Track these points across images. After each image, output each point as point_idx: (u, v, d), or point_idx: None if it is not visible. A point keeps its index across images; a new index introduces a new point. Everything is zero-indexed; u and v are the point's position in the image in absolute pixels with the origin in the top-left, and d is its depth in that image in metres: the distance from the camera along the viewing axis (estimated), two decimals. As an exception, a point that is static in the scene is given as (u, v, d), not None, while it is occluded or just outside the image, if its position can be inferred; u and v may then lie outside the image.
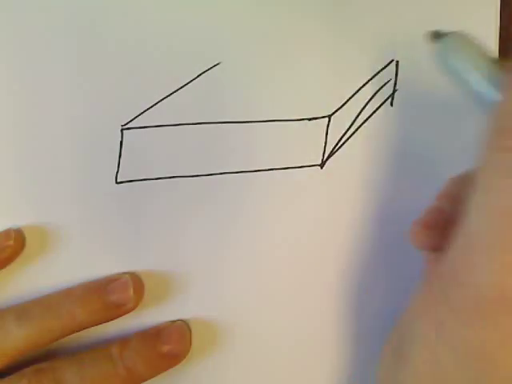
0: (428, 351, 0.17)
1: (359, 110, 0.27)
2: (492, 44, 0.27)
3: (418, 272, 0.27)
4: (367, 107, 0.27)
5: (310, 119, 0.27)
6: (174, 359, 0.26)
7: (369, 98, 0.28)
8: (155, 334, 0.26)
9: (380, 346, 0.22)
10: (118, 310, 0.26)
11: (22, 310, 0.25)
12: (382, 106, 0.28)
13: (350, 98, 0.27)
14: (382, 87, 0.28)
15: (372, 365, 0.24)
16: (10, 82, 0.26)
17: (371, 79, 0.27)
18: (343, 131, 0.27)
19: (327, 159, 0.27)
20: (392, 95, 0.28)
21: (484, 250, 0.15)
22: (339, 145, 0.27)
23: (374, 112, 0.28)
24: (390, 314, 0.28)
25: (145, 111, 0.26)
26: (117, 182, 0.27)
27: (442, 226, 0.21)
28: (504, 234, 0.14)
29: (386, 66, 0.27)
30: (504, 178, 0.15)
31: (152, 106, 0.26)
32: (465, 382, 0.15)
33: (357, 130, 0.27)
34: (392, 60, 0.27)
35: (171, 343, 0.26)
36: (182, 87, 0.27)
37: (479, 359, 0.14)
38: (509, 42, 0.28)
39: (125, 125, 0.26)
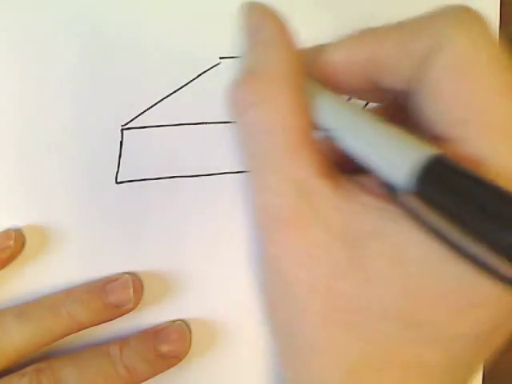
0: None
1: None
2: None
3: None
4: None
5: (310, 119, 0.27)
6: (173, 359, 0.26)
7: (369, 97, 0.28)
8: (155, 334, 0.26)
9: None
10: (117, 310, 0.26)
11: (22, 311, 0.25)
12: (382, 106, 0.28)
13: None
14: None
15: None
16: (10, 82, 0.26)
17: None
18: (343, 131, 0.27)
19: (327, 159, 0.27)
20: (392, 95, 0.28)
21: None
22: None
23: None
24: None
25: (145, 111, 0.26)
26: (117, 182, 0.27)
27: None
28: None
29: (386, 66, 0.27)
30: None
31: (152, 106, 0.26)
32: None
33: (357, 129, 0.27)
34: (392, 60, 0.27)
35: (171, 343, 0.26)
36: (181, 87, 0.27)
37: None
38: (509, 41, 0.28)
39: (125, 125, 0.26)
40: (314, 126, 0.18)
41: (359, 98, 0.20)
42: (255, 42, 0.18)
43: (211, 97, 0.27)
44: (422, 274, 0.15)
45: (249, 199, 0.18)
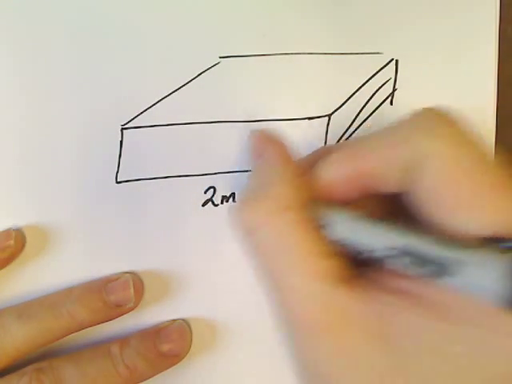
0: None
1: (359, 109, 0.27)
2: (492, 44, 0.27)
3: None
4: (367, 106, 0.28)
5: (310, 118, 0.27)
6: (173, 358, 0.26)
7: (368, 97, 0.28)
8: (155, 333, 0.26)
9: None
10: (118, 310, 0.26)
11: (23, 310, 0.25)
12: (382, 105, 0.28)
13: (350, 97, 0.27)
14: (381, 86, 0.28)
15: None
16: (10, 82, 0.26)
17: (371, 78, 0.27)
18: (343, 130, 0.27)
19: (327, 158, 0.27)
20: (392, 94, 0.28)
21: None
22: (339, 144, 0.27)
23: (374, 111, 0.28)
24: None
25: (145, 111, 0.26)
26: (117, 182, 0.27)
27: None
28: None
29: (385, 65, 0.27)
30: None
31: (152, 106, 0.26)
32: None
33: (357, 129, 0.27)
34: (392, 59, 0.27)
35: (171, 342, 0.26)
36: (181, 87, 0.27)
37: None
38: (508, 42, 0.28)
39: (125, 125, 0.26)
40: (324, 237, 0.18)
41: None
42: (257, 165, 0.21)
43: (211, 96, 0.27)
44: (470, 367, 0.16)
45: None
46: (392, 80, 0.27)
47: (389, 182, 0.18)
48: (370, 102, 0.27)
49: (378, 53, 0.27)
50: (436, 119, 0.18)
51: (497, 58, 0.27)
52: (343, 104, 0.27)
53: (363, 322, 0.17)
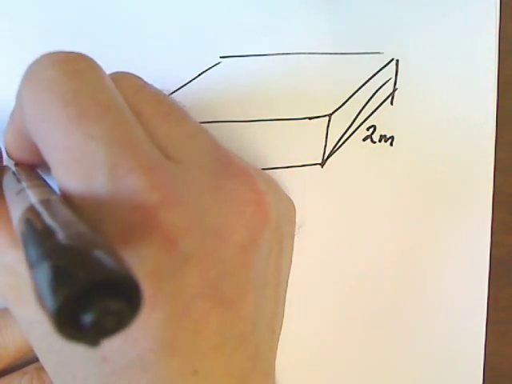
0: None
1: (359, 109, 0.27)
2: (492, 44, 0.27)
3: (413, 271, 0.27)
4: (367, 106, 0.28)
5: (310, 118, 0.27)
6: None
7: (369, 96, 0.28)
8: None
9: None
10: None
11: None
12: (382, 105, 0.28)
13: (351, 97, 0.27)
14: (382, 86, 0.28)
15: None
16: (9, 82, 0.26)
17: (371, 78, 0.27)
18: (343, 130, 0.27)
19: (328, 158, 0.27)
20: (392, 94, 0.28)
21: None
22: (340, 144, 0.27)
23: (374, 111, 0.28)
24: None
25: (145, 111, 0.26)
26: (117, 182, 0.26)
27: None
28: None
29: (386, 65, 0.27)
30: None
31: (152, 106, 0.26)
32: None
33: (357, 128, 0.27)
34: (392, 59, 0.27)
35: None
36: (181, 87, 0.27)
37: None
38: (508, 42, 0.28)
39: (125, 125, 0.26)
40: None
41: None
42: None
43: (211, 96, 0.27)
44: None
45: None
46: (392, 80, 0.27)
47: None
48: (370, 101, 0.27)
49: (378, 53, 0.27)
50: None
51: (497, 57, 0.27)
52: (343, 104, 0.27)
53: None
